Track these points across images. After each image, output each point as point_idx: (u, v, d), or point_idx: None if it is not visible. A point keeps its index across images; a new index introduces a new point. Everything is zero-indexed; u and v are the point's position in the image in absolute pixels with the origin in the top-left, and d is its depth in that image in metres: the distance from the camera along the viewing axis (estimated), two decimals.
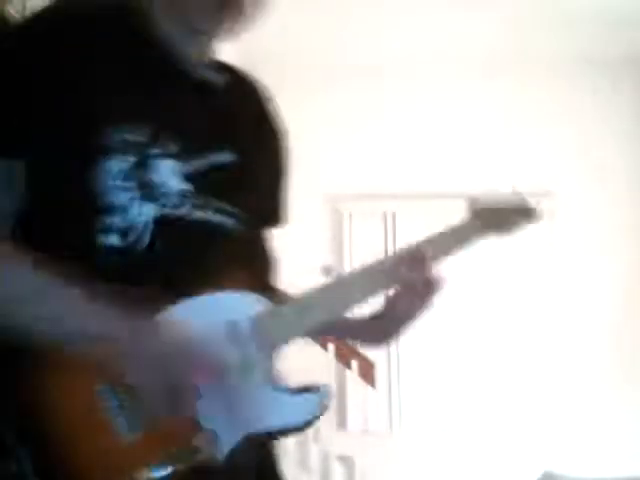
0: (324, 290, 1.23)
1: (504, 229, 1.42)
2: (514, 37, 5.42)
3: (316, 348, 4.69)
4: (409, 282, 1.27)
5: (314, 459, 4.53)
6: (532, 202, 1.46)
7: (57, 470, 1.02)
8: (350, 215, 5.67)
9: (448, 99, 5.76)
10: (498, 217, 1.41)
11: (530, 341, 5.53)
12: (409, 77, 5.72)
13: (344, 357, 4.97)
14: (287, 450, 4.20)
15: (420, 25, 5.26)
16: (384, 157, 5.70)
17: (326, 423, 4.78)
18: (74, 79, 1.10)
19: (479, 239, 1.38)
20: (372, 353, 5.17)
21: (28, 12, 1.14)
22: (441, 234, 1.35)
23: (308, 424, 1.20)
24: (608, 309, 5.55)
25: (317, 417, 1.20)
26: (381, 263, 1.28)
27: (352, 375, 5.14)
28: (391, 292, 1.30)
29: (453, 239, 1.35)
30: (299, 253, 5.24)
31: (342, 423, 5.41)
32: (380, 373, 5.29)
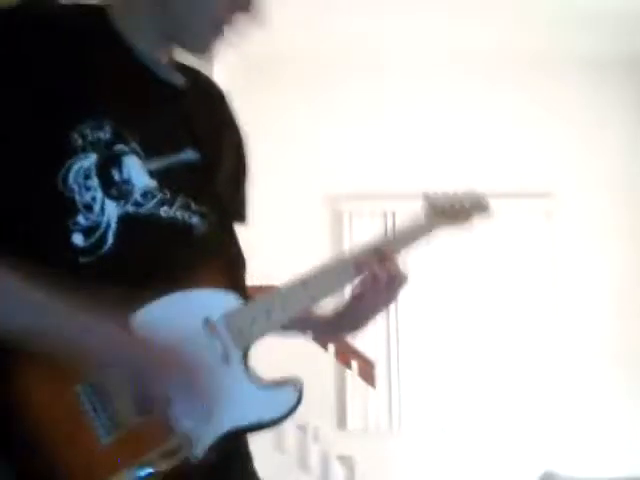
0: (291, 288, 1.24)
1: (459, 223, 1.46)
2: (514, 38, 5.43)
3: (316, 348, 4.68)
4: (374, 277, 1.29)
5: (314, 459, 4.52)
6: (485, 197, 1.51)
7: (39, 474, 1.02)
8: (350, 215, 5.67)
9: (448, 99, 5.76)
10: (454, 212, 1.45)
11: (530, 341, 5.53)
12: (409, 77, 5.73)
13: (344, 357, 4.96)
14: (287, 450, 4.20)
15: (420, 26, 5.27)
16: (384, 157, 5.70)
17: (326, 423, 4.78)
18: (38, 76, 1.09)
19: (436, 233, 1.43)
20: (372, 353, 5.17)
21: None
22: (399, 231, 1.39)
23: (283, 418, 1.19)
24: (607, 309, 5.55)
25: (292, 411, 1.19)
26: (343, 260, 1.31)
27: (352, 375, 5.14)
28: (356, 286, 1.32)
29: (411, 235, 1.39)
30: (299, 253, 5.24)
31: (342, 423, 5.41)
32: (380, 373, 5.29)
